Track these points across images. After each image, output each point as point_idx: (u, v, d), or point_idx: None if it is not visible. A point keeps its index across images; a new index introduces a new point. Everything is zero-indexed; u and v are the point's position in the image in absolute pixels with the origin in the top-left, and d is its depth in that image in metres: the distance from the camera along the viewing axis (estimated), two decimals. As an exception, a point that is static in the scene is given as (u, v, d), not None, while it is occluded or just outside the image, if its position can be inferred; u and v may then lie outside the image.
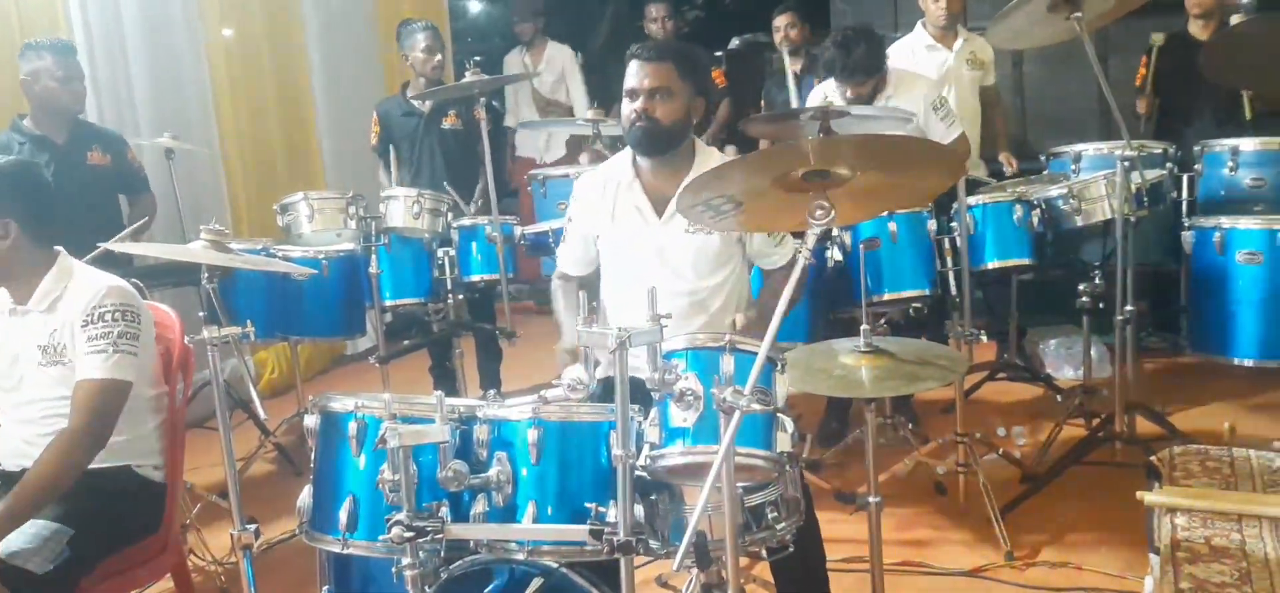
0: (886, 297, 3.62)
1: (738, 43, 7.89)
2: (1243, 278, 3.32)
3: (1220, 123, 4.39)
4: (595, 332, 1.83)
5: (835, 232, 3.58)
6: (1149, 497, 2.39)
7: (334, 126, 5.90)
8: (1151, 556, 2.33)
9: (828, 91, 4.00)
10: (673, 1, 6.13)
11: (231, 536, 2.31)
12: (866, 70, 3.82)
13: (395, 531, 1.88)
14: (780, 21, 5.39)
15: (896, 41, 4.77)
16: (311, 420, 2.15)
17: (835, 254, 3.62)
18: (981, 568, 3.08)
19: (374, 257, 3.81)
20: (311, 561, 2.22)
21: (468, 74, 4.02)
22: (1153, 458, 2.63)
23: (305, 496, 2.15)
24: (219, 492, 3.66)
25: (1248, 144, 4.06)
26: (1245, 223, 3.39)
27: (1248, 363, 3.40)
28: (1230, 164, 4.05)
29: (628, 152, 2.74)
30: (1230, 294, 3.35)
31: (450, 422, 1.97)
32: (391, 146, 4.75)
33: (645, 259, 2.66)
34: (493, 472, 1.99)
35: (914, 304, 3.71)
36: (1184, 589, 2.02)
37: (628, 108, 2.61)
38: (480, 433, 2.04)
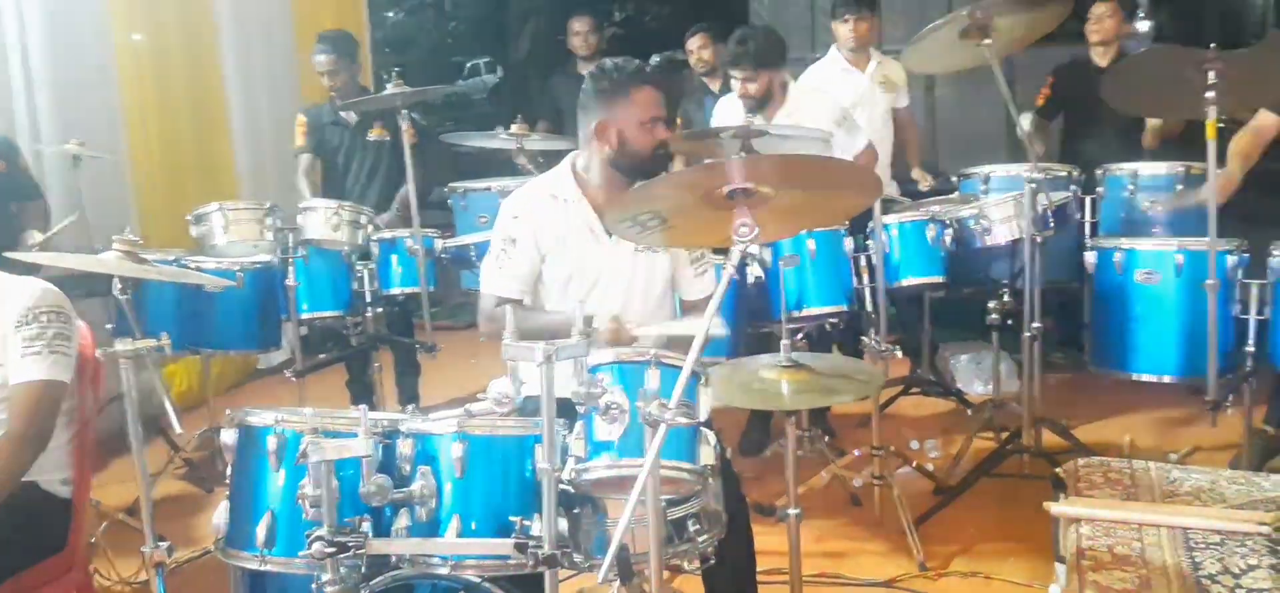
0: (805, 312, 3.68)
1: (658, 60, 7.96)
2: (1141, 297, 3.46)
3: (1120, 147, 4.59)
4: (522, 346, 1.83)
5: (757, 248, 3.63)
6: (1055, 508, 2.47)
7: (250, 136, 5.78)
8: (1057, 564, 2.41)
9: (729, 106, 4.16)
10: (595, 17, 6.16)
11: (143, 553, 2.25)
12: (757, 61, 3.93)
13: (316, 546, 1.85)
14: (693, 43, 5.47)
15: (812, 65, 4.88)
16: (229, 435, 2.10)
17: (756, 270, 3.68)
18: (896, 579, 3.15)
19: (291, 268, 3.75)
20: (224, 579, 2.17)
21: (389, 86, 3.99)
22: (1058, 470, 2.73)
23: (221, 512, 2.10)
24: (126, 510, 3.55)
25: (1146, 168, 4.25)
26: (1143, 244, 3.53)
27: (1146, 378, 3.53)
28: (1130, 187, 4.23)
29: (566, 168, 2.72)
30: (1129, 312, 3.48)
31: (374, 436, 1.95)
32: (318, 157, 4.68)
33: (596, 279, 2.66)
34: (416, 486, 1.98)
35: (831, 320, 3.79)
36: (1087, 596, 2.10)
37: (656, 135, 2.58)
38: (404, 447, 2.03)
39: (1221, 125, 6.83)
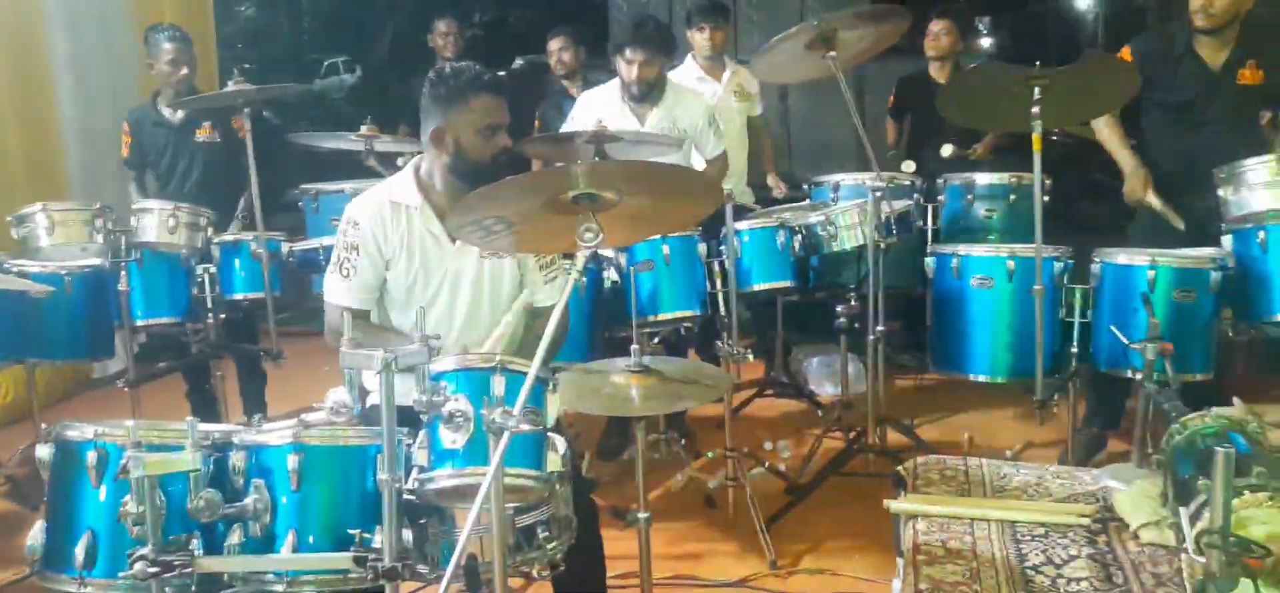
0: (660, 317, 3.71)
1: (521, 62, 7.92)
2: (976, 301, 3.61)
3: (958, 157, 4.81)
4: (360, 353, 1.79)
5: (612, 253, 3.66)
6: (894, 505, 2.57)
7: (83, 135, 5.44)
8: (898, 559, 2.51)
9: (587, 107, 4.19)
10: (456, 18, 6.08)
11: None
12: (656, 45, 4.07)
13: (138, 566, 1.77)
14: (554, 45, 5.45)
15: (669, 73, 4.93)
16: (44, 451, 1.99)
17: (611, 275, 3.70)
18: (747, 578, 3.20)
19: (124, 273, 3.56)
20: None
21: (231, 84, 3.83)
22: (899, 468, 2.84)
23: (36, 532, 1.98)
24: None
25: (982, 178, 4.46)
26: (978, 250, 3.70)
27: (981, 379, 3.69)
28: (968, 196, 4.43)
29: (409, 174, 2.66)
30: (965, 316, 3.63)
31: (202, 449, 1.87)
32: (145, 162, 4.45)
33: (440, 287, 2.62)
34: (249, 500, 1.91)
35: (686, 324, 3.83)
36: (922, 590, 2.19)
37: (494, 143, 2.52)
38: (236, 460, 1.95)
39: (1054, 137, 7.25)
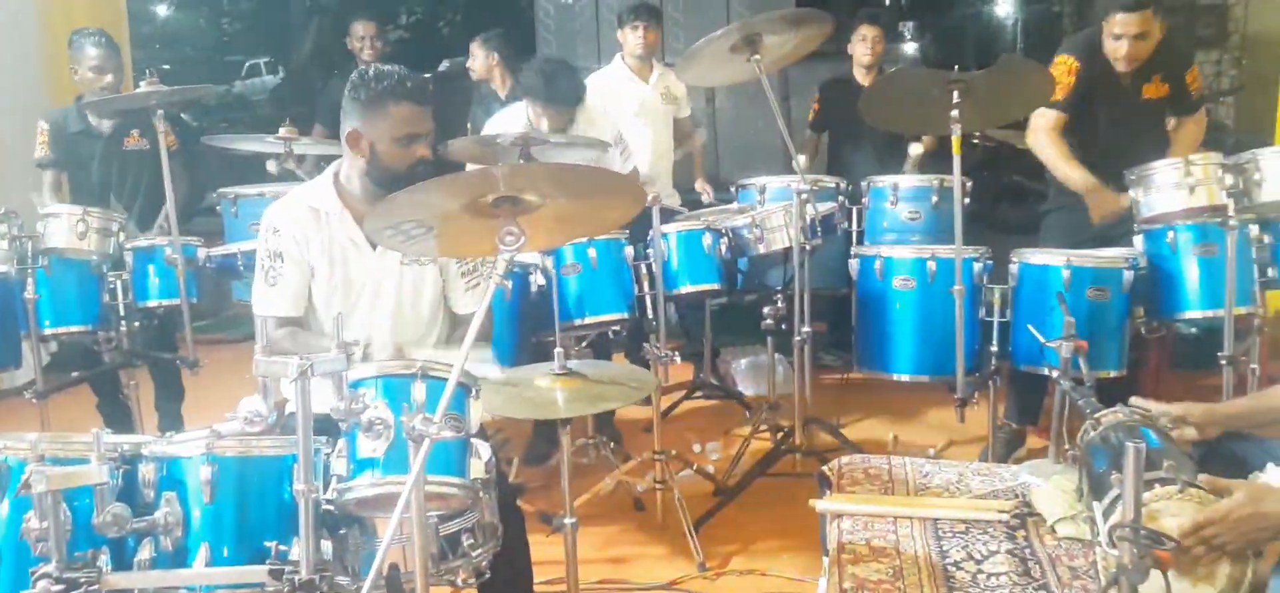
0: (587, 320, 3.70)
1: (447, 66, 7.85)
2: (899, 301, 3.65)
3: (882, 160, 4.88)
4: (275, 362, 1.74)
5: (538, 257, 3.64)
6: (819, 504, 2.59)
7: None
8: (824, 558, 2.52)
9: (511, 116, 4.15)
10: (379, 21, 5.98)
11: None
12: (567, 101, 3.96)
13: (41, 584, 1.70)
14: (478, 50, 5.40)
15: (596, 73, 4.93)
16: (-59, 466, 1.90)
17: (538, 279, 3.67)
18: (676, 581, 3.21)
19: (31, 280, 3.43)
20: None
21: (143, 84, 3.70)
22: (824, 468, 2.86)
23: (-69, 553, 1.89)
24: None
25: (906, 181, 4.53)
26: (901, 251, 3.75)
27: (904, 378, 3.75)
28: (892, 198, 4.49)
29: (327, 178, 2.61)
30: (889, 316, 3.68)
31: (109, 461, 1.81)
32: (63, 170, 4.30)
33: (361, 294, 2.57)
34: (159, 514, 1.85)
35: (613, 327, 3.83)
36: (846, 588, 2.20)
37: (411, 153, 2.46)
38: (146, 472, 1.90)
39: (975, 141, 7.41)
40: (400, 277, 2.59)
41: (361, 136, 2.47)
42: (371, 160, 2.48)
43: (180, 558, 1.86)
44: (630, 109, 4.71)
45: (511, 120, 4.15)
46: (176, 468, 1.90)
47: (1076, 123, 3.91)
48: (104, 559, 1.81)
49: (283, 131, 3.81)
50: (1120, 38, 3.73)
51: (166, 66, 3.86)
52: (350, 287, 2.57)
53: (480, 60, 5.47)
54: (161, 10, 9.34)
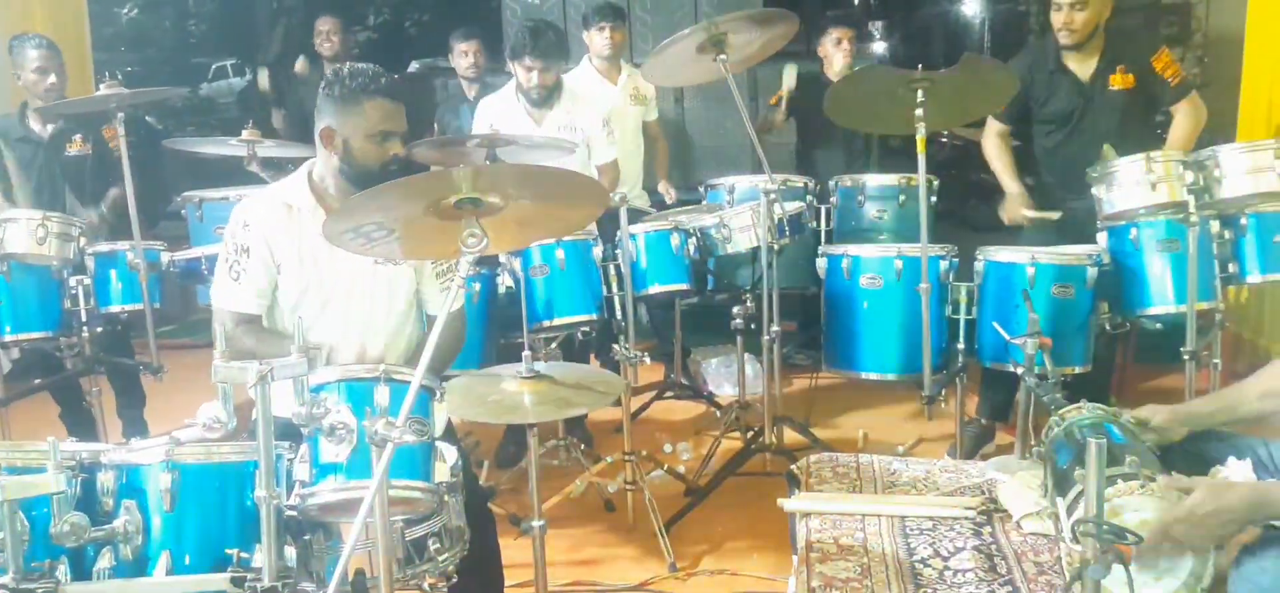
0: (556, 321, 3.69)
1: (417, 67, 7.80)
2: (866, 300, 3.67)
3: (849, 159, 4.89)
4: (233, 366, 1.72)
5: (504, 258, 3.62)
6: (788, 503, 2.60)
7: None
8: (794, 557, 2.53)
9: (489, 110, 4.24)
10: (345, 19, 5.94)
11: None
12: (556, 55, 4.17)
13: (-3, 595, 1.67)
14: (468, 46, 5.37)
15: (565, 74, 4.91)
16: (-107, 477, 1.86)
17: (506, 280, 3.66)
18: (647, 581, 3.20)
19: (-11, 287, 3.37)
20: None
21: (103, 87, 3.65)
22: (793, 467, 2.86)
23: (-116, 566, 1.85)
24: None
25: (872, 180, 4.55)
26: (868, 250, 3.76)
27: (873, 376, 3.76)
28: (859, 197, 4.51)
29: (302, 176, 2.59)
30: (857, 315, 3.69)
31: (67, 469, 1.78)
32: (7, 179, 4.23)
33: (333, 294, 2.55)
34: (119, 522, 1.82)
35: (583, 328, 3.81)
36: (815, 587, 2.21)
37: (385, 150, 2.46)
38: (105, 480, 1.86)
39: (944, 139, 7.44)
40: (373, 276, 2.57)
41: (335, 133, 2.46)
42: (345, 157, 2.47)
43: (141, 567, 1.83)
44: (599, 111, 4.71)
45: (503, 103, 4.29)
46: (136, 476, 1.87)
47: (1042, 124, 3.95)
48: (63, 569, 1.77)
49: (246, 134, 3.77)
50: (1058, 7, 3.78)
51: (130, 68, 3.79)
52: (322, 286, 2.55)
53: (469, 55, 5.40)
54: (126, 12, 9.21)
